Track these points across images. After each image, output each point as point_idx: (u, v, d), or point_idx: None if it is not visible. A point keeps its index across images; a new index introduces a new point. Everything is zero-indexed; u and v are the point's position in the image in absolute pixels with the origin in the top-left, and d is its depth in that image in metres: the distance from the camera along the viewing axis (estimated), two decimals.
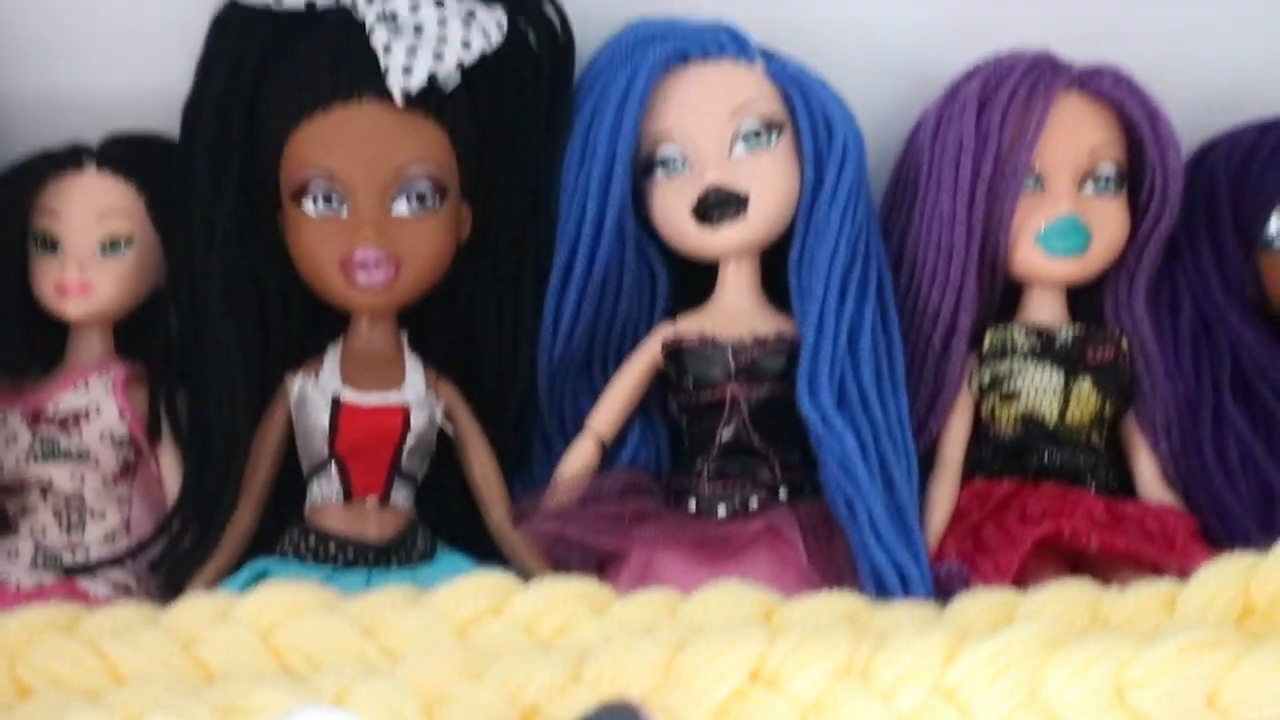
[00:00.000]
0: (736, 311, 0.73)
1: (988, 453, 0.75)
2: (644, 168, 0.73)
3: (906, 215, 0.77)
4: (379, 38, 0.68)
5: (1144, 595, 0.58)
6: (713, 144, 0.71)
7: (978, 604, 0.58)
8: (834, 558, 0.65)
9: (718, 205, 0.71)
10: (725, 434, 0.70)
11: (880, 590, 0.62)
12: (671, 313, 0.75)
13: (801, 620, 0.55)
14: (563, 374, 0.74)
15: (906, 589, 0.62)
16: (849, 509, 0.65)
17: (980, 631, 0.53)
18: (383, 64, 0.68)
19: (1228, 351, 0.77)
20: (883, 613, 0.57)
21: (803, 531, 0.65)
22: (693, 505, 0.70)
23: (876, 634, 0.53)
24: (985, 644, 0.51)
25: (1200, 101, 0.84)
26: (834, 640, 0.52)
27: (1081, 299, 0.79)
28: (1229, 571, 0.57)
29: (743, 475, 0.70)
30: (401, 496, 0.68)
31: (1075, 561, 0.71)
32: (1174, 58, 0.85)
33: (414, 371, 0.70)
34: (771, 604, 0.57)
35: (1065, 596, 0.58)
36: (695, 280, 0.75)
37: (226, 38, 0.71)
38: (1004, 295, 0.78)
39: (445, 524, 0.71)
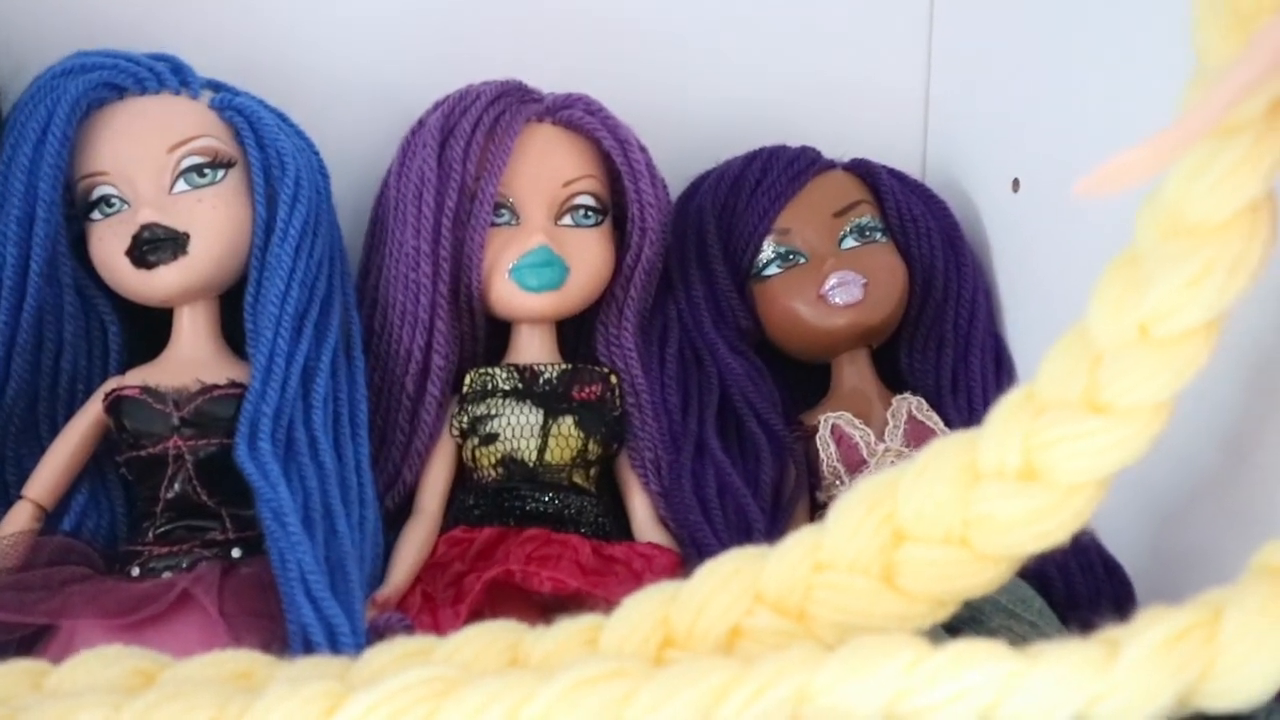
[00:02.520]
0: (189, 360, 0.68)
1: (470, 499, 0.71)
2: (84, 210, 0.68)
3: (379, 255, 0.73)
4: None
5: (568, 632, 0.54)
6: (149, 181, 0.66)
7: (390, 653, 0.53)
8: (266, 616, 0.60)
9: (153, 245, 0.65)
10: (170, 492, 0.65)
11: (307, 647, 0.57)
12: (128, 367, 0.69)
13: (179, 682, 0.50)
14: (1, 437, 0.67)
15: (335, 645, 0.57)
16: (282, 563, 0.60)
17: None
18: None
19: (716, 384, 0.76)
20: (283, 670, 0.53)
21: (223, 591, 0.60)
22: (136, 571, 0.64)
23: (256, 692, 0.48)
24: (371, 693, 0.47)
25: (699, 137, 0.84)
26: (196, 701, 0.47)
27: (581, 336, 0.77)
28: (650, 602, 0.54)
29: (191, 536, 0.65)
30: None
31: (564, 607, 0.67)
32: (671, 93, 0.85)
33: None
34: (153, 668, 0.51)
35: (484, 639, 0.54)
36: (159, 332, 0.70)
37: None
38: (502, 336, 0.76)
39: None
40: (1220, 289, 0.44)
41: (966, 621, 0.59)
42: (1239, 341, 0.47)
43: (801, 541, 0.51)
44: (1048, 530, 0.48)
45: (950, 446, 0.50)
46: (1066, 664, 0.41)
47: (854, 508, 0.50)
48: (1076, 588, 0.67)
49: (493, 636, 0.54)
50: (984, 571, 0.49)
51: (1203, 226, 0.44)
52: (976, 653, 0.42)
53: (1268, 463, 0.59)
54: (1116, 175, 0.42)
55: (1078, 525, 0.48)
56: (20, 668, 0.50)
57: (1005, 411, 0.49)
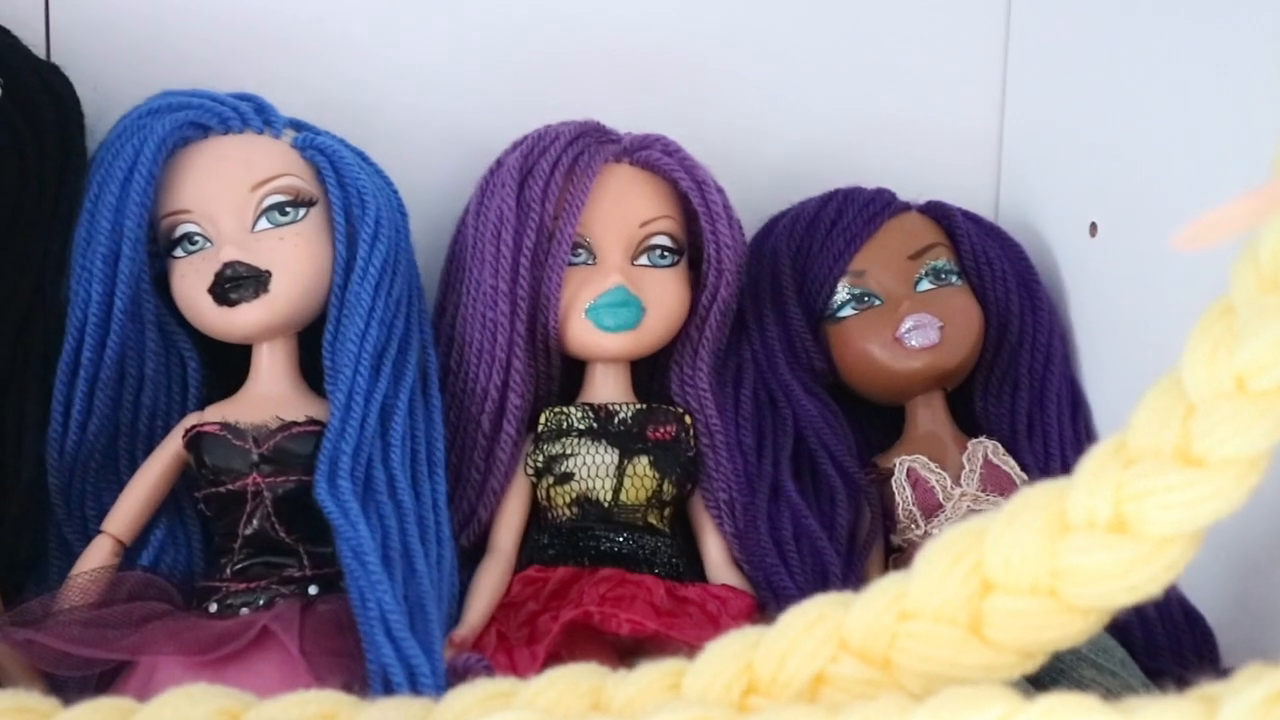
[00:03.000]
0: (267, 397, 0.68)
1: (545, 538, 0.71)
2: (167, 247, 0.68)
3: (456, 293, 0.73)
4: None
5: (650, 677, 0.54)
6: (232, 219, 0.67)
7: (473, 695, 0.53)
8: (345, 655, 0.60)
9: (235, 283, 0.66)
10: (249, 528, 0.65)
11: (387, 687, 0.57)
12: (207, 403, 0.69)
13: None
14: (80, 471, 0.67)
15: (415, 685, 0.57)
16: (362, 602, 0.60)
17: None
18: None
19: (791, 425, 0.76)
20: (367, 711, 0.53)
21: (303, 630, 0.60)
22: (214, 607, 0.64)
23: None
24: None
25: (774, 178, 0.84)
26: None
27: (655, 376, 0.77)
28: (733, 648, 0.54)
29: (268, 572, 0.65)
30: None
31: (640, 648, 0.67)
32: (746, 134, 0.85)
33: None
34: (238, 708, 0.52)
35: (566, 683, 0.54)
36: (238, 368, 0.70)
37: None
38: (576, 375, 0.76)
39: None
40: None
41: (1050, 671, 0.58)
42: None
43: (887, 589, 0.50)
44: (1138, 583, 0.47)
45: (1039, 496, 0.49)
46: None
47: (940, 556, 0.50)
48: (1156, 637, 0.66)
49: (575, 680, 0.54)
50: (1073, 623, 0.48)
51: None
52: (1068, 707, 0.42)
53: None
54: (1210, 230, 0.42)
55: (1170, 578, 0.47)
56: (108, 705, 0.50)
57: (1095, 462, 0.48)
